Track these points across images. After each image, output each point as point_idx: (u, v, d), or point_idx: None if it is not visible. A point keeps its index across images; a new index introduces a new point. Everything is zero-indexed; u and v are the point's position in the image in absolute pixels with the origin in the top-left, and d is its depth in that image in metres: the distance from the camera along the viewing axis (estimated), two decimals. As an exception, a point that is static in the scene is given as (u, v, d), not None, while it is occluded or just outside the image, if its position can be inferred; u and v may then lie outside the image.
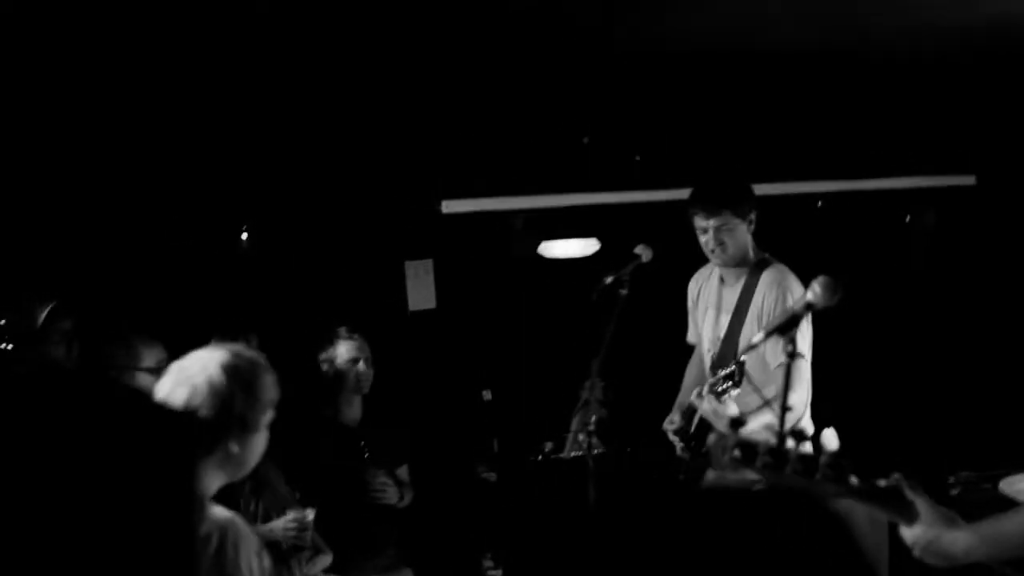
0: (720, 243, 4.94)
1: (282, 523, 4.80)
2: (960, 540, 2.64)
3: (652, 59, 5.39)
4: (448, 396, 7.18)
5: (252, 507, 4.85)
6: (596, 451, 4.95)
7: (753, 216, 4.97)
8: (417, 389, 6.87)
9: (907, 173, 7.50)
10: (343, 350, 5.59)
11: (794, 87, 6.16)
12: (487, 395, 7.38)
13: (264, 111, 5.91)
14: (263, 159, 6.46)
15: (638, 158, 7.06)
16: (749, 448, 2.55)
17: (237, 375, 2.92)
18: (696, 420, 4.88)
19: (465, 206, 6.92)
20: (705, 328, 5.21)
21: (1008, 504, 4.56)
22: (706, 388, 4.56)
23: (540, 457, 6.84)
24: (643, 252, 4.91)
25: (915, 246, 7.81)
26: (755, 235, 5.05)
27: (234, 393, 2.89)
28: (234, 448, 2.91)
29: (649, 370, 5.87)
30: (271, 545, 4.76)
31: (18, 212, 5.76)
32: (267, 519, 4.83)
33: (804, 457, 2.53)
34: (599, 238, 7.20)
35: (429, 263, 7.14)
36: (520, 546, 6.58)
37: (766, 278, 4.90)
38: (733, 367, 4.37)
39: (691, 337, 5.41)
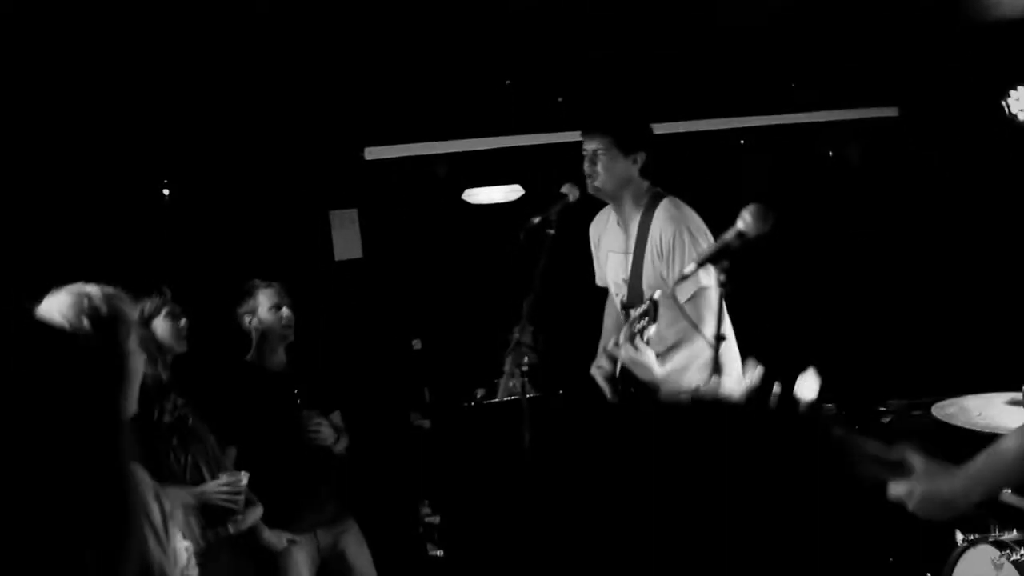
0: (593, 166, 4.89)
1: (214, 486, 4.74)
2: (959, 477, 2.52)
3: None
4: (377, 345, 7.13)
5: (182, 461, 4.79)
6: (529, 394, 4.93)
7: (641, 157, 4.88)
8: (345, 339, 6.82)
9: (830, 106, 7.51)
10: (264, 299, 5.48)
11: (716, 22, 6.12)
12: (417, 344, 7.36)
13: (186, 61, 5.80)
14: (186, 108, 6.35)
15: (560, 99, 7.01)
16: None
17: (85, 312, 2.88)
18: (619, 367, 4.86)
19: (388, 152, 6.86)
20: (610, 272, 5.17)
21: (943, 428, 4.61)
22: (622, 336, 4.52)
23: (472, 403, 6.84)
24: (570, 191, 4.87)
25: (840, 179, 7.83)
26: (680, 171, 5.02)
27: (90, 330, 2.86)
28: None
29: (581, 311, 5.84)
30: (204, 507, 4.73)
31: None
32: (197, 473, 4.78)
33: (781, 405, 2.48)
34: (527, 184, 7.19)
35: (354, 212, 7.08)
36: (457, 492, 6.58)
37: (660, 213, 4.84)
38: (647, 304, 4.33)
39: (599, 281, 5.38)
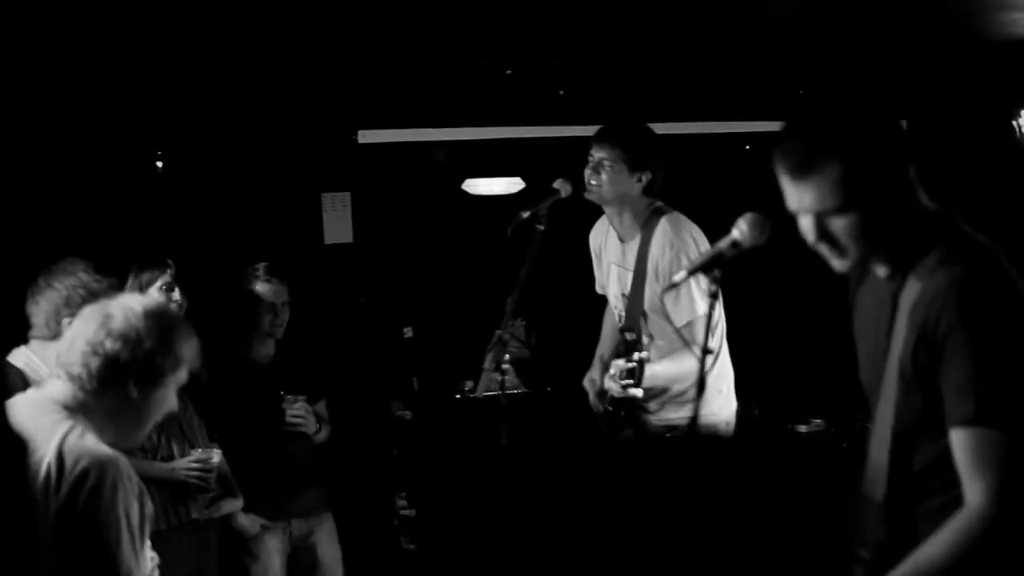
0: (596, 175, 4.81)
1: (184, 462, 4.67)
2: None
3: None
4: (366, 332, 7.04)
5: (155, 440, 4.69)
6: (509, 391, 4.84)
7: (646, 176, 4.81)
8: (333, 324, 6.73)
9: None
10: (260, 291, 5.37)
11: (723, 25, 6.04)
12: (408, 332, 7.27)
13: (180, 39, 5.73)
14: (178, 88, 6.31)
15: (562, 92, 6.92)
16: None
17: (153, 319, 2.93)
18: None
19: (382, 136, 6.78)
20: (610, 285, 5.10)
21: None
22: (614, 371, 4.41)
23: (459, 396, 6.78)
24: (562, 187, 4.76)
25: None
26: (683, 179, 4.95)
27: (146, 333, 2.89)
28: (133, 392, 2.89)
29: (578, 309, 5.76)
30: (173, 484, 4.65)
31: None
32: (171, 454, 4.70)
33: None
34: (523, 175, 7.12)
35: (347, 196, 6.98)
36: (434, 486, 6.51)
37: (658, 234, 4.77)
38: (634, 364, 4.22)
39: (599, 289, 5.30)
